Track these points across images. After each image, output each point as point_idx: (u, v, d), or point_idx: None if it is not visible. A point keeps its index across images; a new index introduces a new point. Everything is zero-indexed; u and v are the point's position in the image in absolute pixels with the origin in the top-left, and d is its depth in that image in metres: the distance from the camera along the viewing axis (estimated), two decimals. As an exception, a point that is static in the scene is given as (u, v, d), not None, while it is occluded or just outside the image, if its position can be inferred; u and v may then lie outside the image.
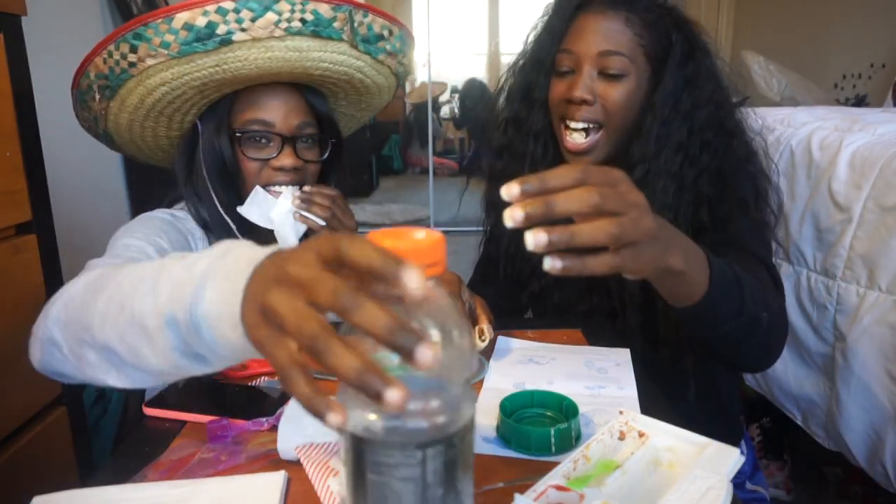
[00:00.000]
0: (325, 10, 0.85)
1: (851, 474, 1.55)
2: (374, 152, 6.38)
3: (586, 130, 0.94)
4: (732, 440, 1.02)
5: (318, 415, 0.33)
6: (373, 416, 0.35)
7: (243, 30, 0.82)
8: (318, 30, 0.86)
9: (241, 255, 0.44)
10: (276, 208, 0.95)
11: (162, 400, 0.74)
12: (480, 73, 6.83)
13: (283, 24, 0.83)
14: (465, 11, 6.65)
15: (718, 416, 1.06)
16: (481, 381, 0.78)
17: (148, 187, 1.87)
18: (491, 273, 1.13)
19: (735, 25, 3.81)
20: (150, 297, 0.48)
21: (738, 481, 1.17)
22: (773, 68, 2.44)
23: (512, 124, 1.05)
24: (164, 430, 0.69)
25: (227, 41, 0.82)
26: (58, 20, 0.94)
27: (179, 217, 0.98)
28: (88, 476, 0.61)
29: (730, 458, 0.53)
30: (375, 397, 0.31)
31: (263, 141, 0.96)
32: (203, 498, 0.55)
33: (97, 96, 0.94)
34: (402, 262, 0.33)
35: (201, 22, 0.80)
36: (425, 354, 0.31)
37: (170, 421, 0.71)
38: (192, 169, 0.99)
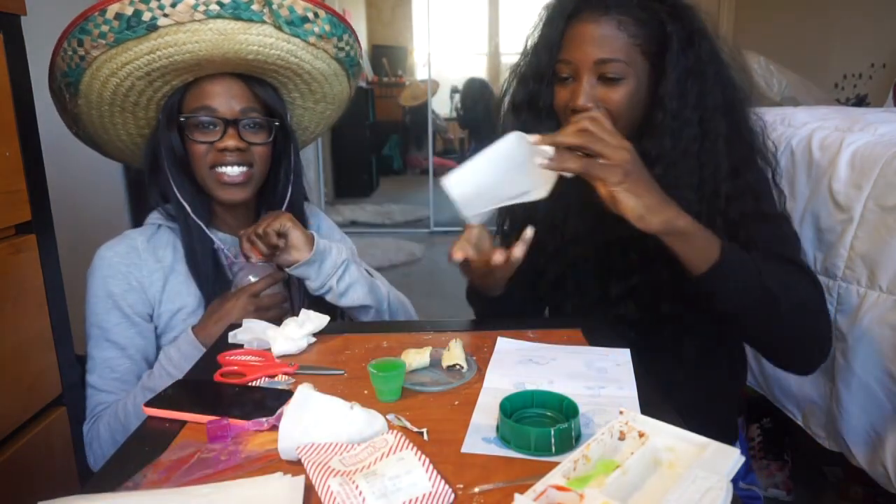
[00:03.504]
0: None
1: (851, 474, 1.55)
2: (374, 152, 6.39)
3: None
4: (724, 438, 1.02)
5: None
6: None
7: (166, 15, 0.92)
8: (237, 12, 0.94)
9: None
10: (283, 342, 0.87)
11: (162, 400, 0.74)
12: (480, 72, 6.83)
13: (202, 8, 0.93)
14: (465, 11, 6.66)
15: (712, 413, 1.06)
16: (470, 382, 0.78)
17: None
18: None
19: (735, 25, 3.80)
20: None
21: (731, 482, 1.17)
22: (773, 68, 2.43)
23: None
24: (164, 430, 0.69)
25: (153, 27, 0.93)
26: (58, 20, 0.94)
27: (120, 251, 1.05)
28: (88, 476, 0.61)
29: (730, 458, 0.53)
30: None
31: (209, 126, 1.04)
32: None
33: (66, 95, 1.03)
34: None
35: (129, 10, 0.91)
36: None
37: (170, 421, 0.71)
38: (156, 162, 1.08)
